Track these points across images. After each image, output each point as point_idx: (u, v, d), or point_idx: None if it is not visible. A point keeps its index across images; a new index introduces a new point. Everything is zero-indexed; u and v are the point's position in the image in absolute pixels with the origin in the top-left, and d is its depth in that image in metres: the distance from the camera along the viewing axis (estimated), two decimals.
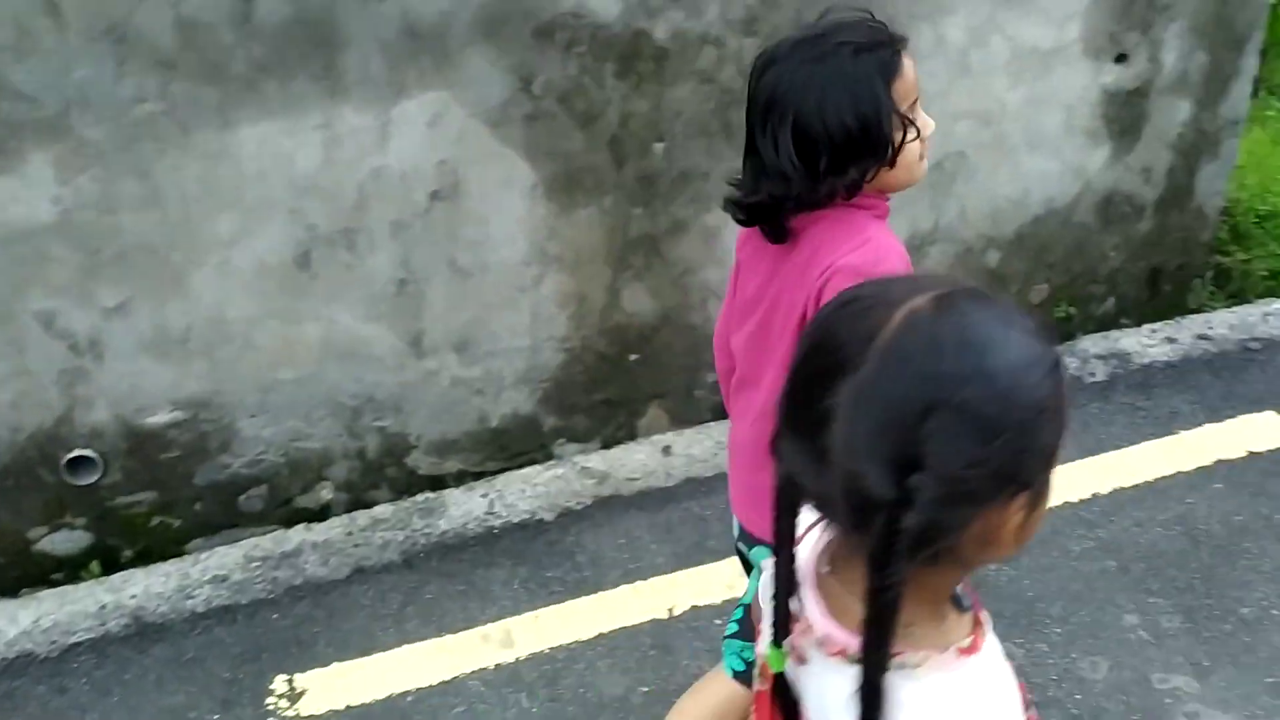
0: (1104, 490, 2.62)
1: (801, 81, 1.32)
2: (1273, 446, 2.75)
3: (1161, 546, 2.45)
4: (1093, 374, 3.12)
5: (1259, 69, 5.67)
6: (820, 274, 1.36)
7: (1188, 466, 2.69)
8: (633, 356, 2.92)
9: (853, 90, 1.32)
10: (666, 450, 2.87)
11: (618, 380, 2.95)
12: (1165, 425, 2.85)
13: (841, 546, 0.89)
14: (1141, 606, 2.29)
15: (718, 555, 2.44)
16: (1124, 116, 3.21)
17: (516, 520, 2.65)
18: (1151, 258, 3.52)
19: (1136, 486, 2.63)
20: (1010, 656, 0.87)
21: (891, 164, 1.36)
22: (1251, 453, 2.73)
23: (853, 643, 0.82)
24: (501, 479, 2.80)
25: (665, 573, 2.45)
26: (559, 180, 2.64)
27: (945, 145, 2.96)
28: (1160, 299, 3.58)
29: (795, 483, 0.84)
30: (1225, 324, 3.32)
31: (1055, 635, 2.24)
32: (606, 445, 2.97)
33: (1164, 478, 2.65)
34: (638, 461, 2.82)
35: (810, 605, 0.89)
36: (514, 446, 2.92)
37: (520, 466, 2.89)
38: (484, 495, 2.73)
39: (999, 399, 0.73)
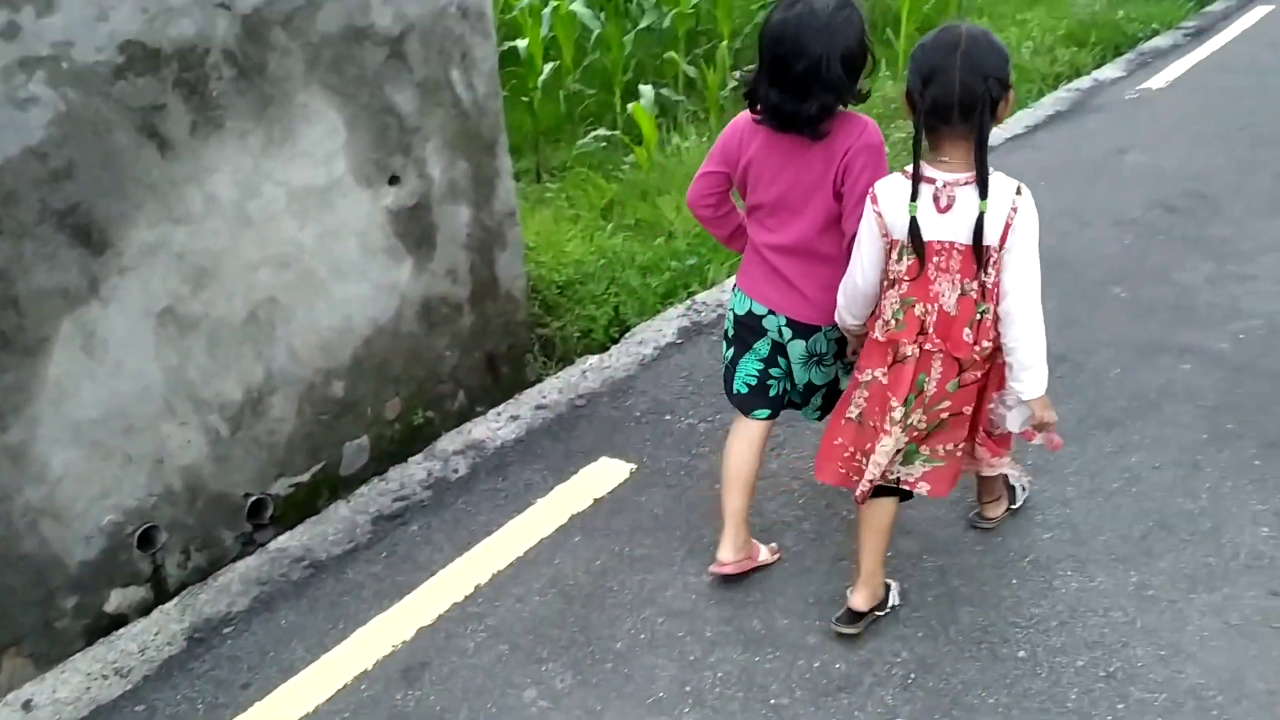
0: (484, 580, 2.76)
1: (830, 29, 2.25)
2: (610, 488, 3.09)
3: (542, 613, 2.63)
4: (455, 470, 3.29)
5: (537, 156, 6.46)
6: (844, 153, 2.34)
7: (548, 531, 2.93)
8: None
9: (860, 31, 2.29)
10: (28, 706, 2.51)
11: None
12: (523, 499, 3.09)
13: (944, 147, 2.19)
14: (536, 677, 2.44)
15: None
16: (415, 230, 3.45)
17: None
18: (483, 346, 3.81)
19: (511, 565, 2.81)
20: None
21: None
22: (595, 500, 3.05)
23: (969, 174, 2.18)
24: None
25: None
26: None
27: (251, 296, 2.96)
28: (504, 381, 3.89)
29: (938, 123, 2.17)
30: (555, 389, 3.69)
31: None
32: None
33: (531, 548, 2.86)
34: None
35: (942, 180, 2.20)
36: None
37: None
38: None
39: (1002, 50, 2.17)
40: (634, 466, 3.20)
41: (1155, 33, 8.05)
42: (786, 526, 2.91)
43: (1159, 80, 6.67)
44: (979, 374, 2.35)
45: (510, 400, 3.69)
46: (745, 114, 2.47)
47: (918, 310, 2.28)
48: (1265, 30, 7.69)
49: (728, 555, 2.63)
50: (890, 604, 2.56)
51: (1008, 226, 2.17)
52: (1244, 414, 3.24)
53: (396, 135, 3.33)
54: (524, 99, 6.45)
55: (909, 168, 2.22)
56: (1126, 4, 8.09)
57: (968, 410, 2.39)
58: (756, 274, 2.56)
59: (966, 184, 2.17)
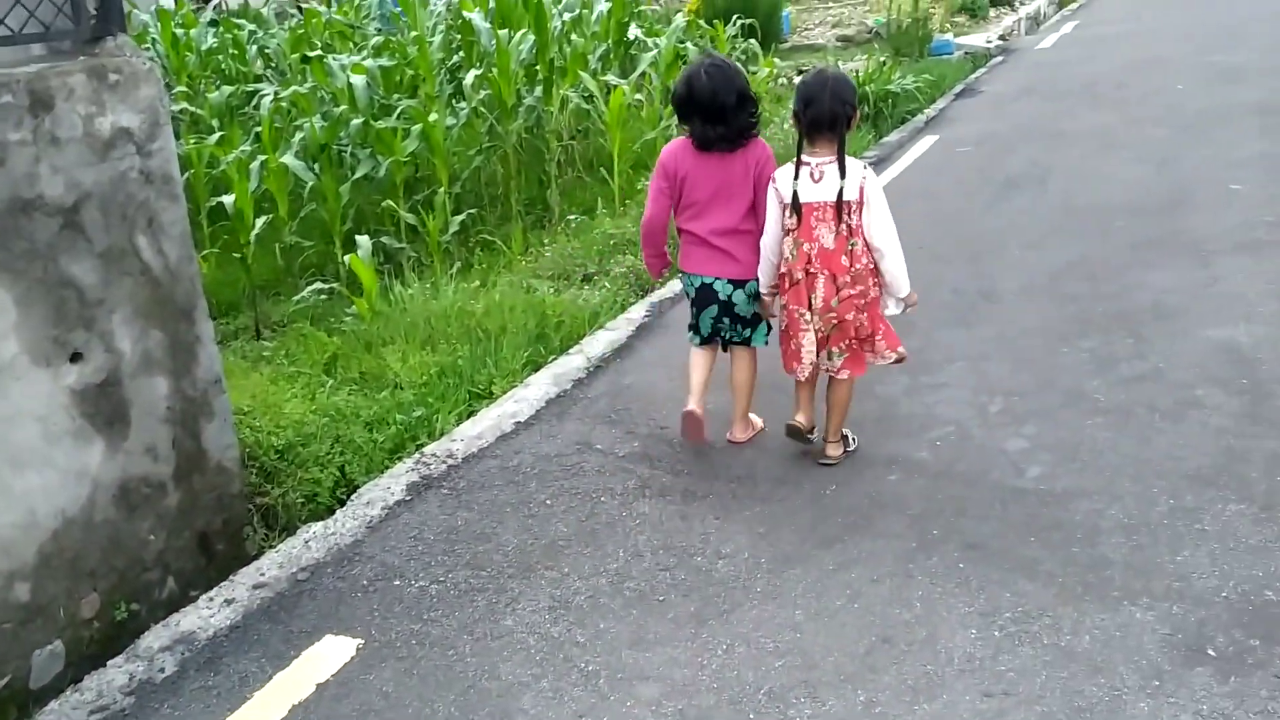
0: None
1: (727, 82, 3.64)
2: (334, 671, 2.90)
3: None
4: (162, 670, 3.00)
5: (255, 312, 6.22)
6: (756, 161, 3.73)
7: None
8: None
9: (746, 82, 3.74)
10: None
11: None
12: (238, 694, 2.84)
13: (817, 145, 3.58)
14: None
15: None
16: (105, 408, 3.20)
17: None
18: (194, 525, 3.55)
19: None
20: None
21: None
22: (319, 685, 2.85)
23: (832, 159, 3.55)
24: None
25: None
26: None
27: None
28: (219, 560, 3.63)
29: (814, 131, 3.56)
30: (275, 564, 3.47)
31: None
32: None
33: None
34: None
35: (815, 163, 3.58)
36: None
37: None
38: None
39: (853, 87, 3.65)
40: (361, 642, 3.02)
41: None
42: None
43: None
44: (855, 291, 3.64)
45: (225, 582, 3.43)
46: (673, 143, 3.89)
47: (805, 248, 3.63)
48: (933, 159, 8.53)
49: (693, 405, 3.94)
50: (853, 445, 3.98)
51: (861, 189, 3.57)
52: (945, 519, 3.45)
53: (77, 309, 3.11)
54: (237, 255, 6.22)
55: (794, 160, 3.63)
56: None
57: (850, 317, 3.67)
58: (699, 255, 3.90)
59: (830, 164, 3.58)
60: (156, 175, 3.35)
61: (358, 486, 3.99)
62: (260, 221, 6.29)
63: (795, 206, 3.60)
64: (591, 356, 5.00)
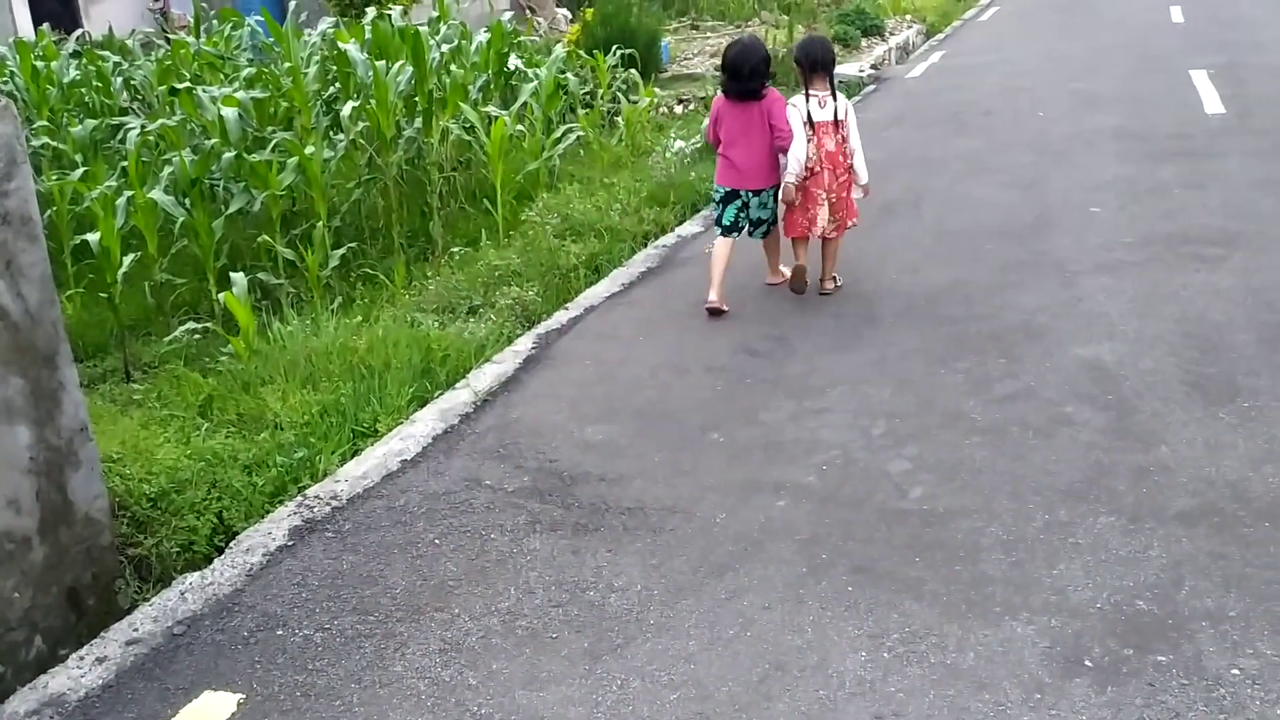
0: None
1: (753, 51, 5.70)
2: None
3: None
4: None
5: (124, 354, 5.98)
6: (768, 106, 5.62)
7: None
8: None
9: (766, 54, 5.79)
10: None
11: None
12: None
13: (814, 83, 5.72)
14: None
15: None
16: None
17: None
18: (62, 581, 3.38)
19: None
20: None
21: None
22: None
23: (827, 92, 5.74)
24: None
25: None
26: None
27: None
28: (90, 616, 3.46)
29: (813, 72, 5.72)
30: (149, 618, 3.32)
31: None
32: None
33: None
34: None
35: (820, 95, 5.73)
36: None
37: None
38: None
39: (831, 45, 6.13)
40: (242, 697, 2.90)
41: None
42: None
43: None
44: (843, 179, 5.73)
45: (97, 639, 3.26)
46: (718, 96, 5.87)
47: (818, 150, 5.64)
48: None
49: (714, 299, 5.73)
50: (840, 282, 6.02)
51: (847, 112, 5.73)
52: (833, 542, 3.50)
53: None
54: (103, 294, 5.98)
55: (803, 92, 5.71)
56: (697, 166, 8.91)
57: (844, 195, 5.75)
58: (730, 174, 5.80)
59: (827, 95, 5.65)
60: (14, 216, 3.20)
61: (237, 533, 3.85)
62: (128, 259, 6.06)
63: (810, 123, 5.64)
64: (478, 390, 4.94)
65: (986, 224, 6.96)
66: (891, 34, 16.54)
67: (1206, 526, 3.42)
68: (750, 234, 5.95)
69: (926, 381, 4.69)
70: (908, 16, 18.20)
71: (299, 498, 4.03)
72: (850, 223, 5.84)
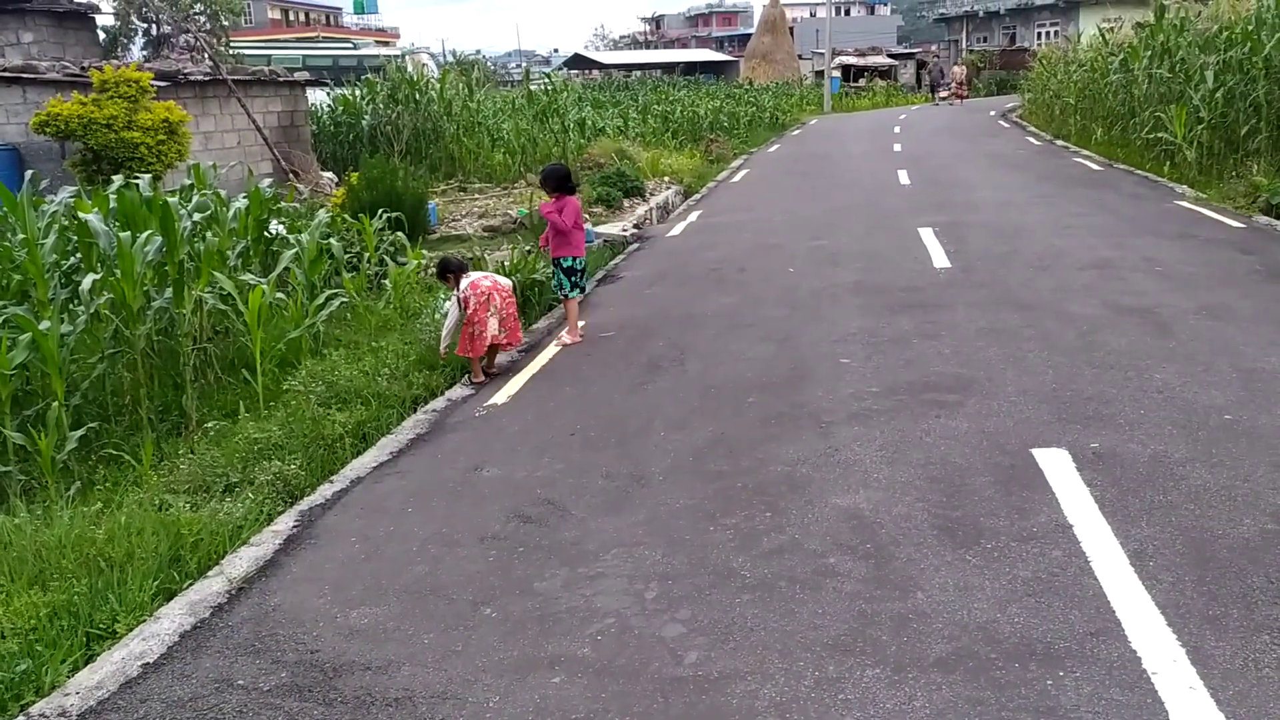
0: None
1: (555, 174, 8.94)
2: None
3: None
4: None
5: None
6: (561, 207, 8.77)
7: None
8: None
9: (566, 171, 9.14)
10: None
11: None
12: None
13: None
14: None
15: None
16: None
17: None
18: None
19: None
20: None
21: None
22: None
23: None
24: None
25: None
26: None
27: None
28: None
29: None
30: None
31: None
32: None
33: None
34: None
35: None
36: None
37: None
38: None
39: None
40: None
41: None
42: None
43: (502, 396, 7.32)
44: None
45: None
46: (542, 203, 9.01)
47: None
48: (580, 344, 8.87)
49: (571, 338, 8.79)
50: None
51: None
52: (610, 719, 3.42)
53: None
54: None
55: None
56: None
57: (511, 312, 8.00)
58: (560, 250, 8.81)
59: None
60: None
61: None
62: None
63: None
64: (233, 577, 4.63)
65: (747, 377, 7.25)
66: (652, 194, 17.37)
67: (963, 672, 3.56)
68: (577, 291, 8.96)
69: (697, 540, 4.74)
70: (666, 178, 19.19)
71: (21, 716, 3.60)
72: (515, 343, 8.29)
